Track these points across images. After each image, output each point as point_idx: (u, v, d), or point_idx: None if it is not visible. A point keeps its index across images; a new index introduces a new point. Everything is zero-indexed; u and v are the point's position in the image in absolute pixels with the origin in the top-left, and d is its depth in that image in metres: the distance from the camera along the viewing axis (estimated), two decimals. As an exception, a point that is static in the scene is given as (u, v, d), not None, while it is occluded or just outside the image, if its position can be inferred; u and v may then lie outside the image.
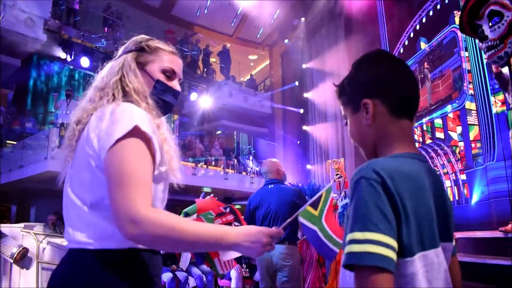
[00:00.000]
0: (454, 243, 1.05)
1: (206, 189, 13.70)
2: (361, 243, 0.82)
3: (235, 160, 14.83)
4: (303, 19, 15.26)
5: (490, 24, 1.75)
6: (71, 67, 12.09)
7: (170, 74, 1.45)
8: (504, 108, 8.03)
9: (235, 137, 16.27)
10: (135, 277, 1.20)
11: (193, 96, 13.75)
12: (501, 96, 8.10)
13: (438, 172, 9.81)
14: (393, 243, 0.83)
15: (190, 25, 16.40)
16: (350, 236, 0.85)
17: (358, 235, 0.83)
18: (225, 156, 14.44)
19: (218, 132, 17.52)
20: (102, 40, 12.13)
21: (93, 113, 1.26)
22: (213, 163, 14.25)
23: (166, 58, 1.45)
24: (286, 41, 16.32)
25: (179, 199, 14.12)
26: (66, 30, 11.44)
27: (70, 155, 1.31)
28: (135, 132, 1.15)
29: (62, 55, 11.29)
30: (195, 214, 1.82)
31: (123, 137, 1.14)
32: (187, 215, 1.83)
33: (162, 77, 1.41)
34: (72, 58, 11.32)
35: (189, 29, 16.46)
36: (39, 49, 11.18)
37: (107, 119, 1.18)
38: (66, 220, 1.27)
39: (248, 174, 14.95)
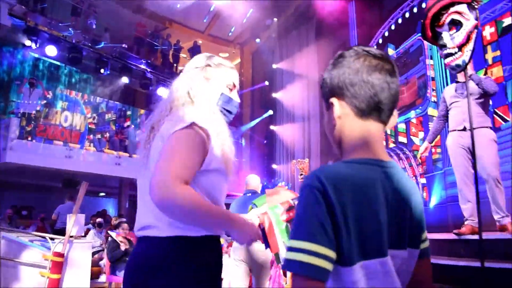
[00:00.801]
0: (421, 246, 1.07)
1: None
2: (295, 252, 0.85)
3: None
4: (275, 19, 15.33)
5: (450, 32, 1.84)
6: (36, 55, 11.70)
7: (231, 87, 1.70)
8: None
9: (203, 134, 16.14)
10: (209, 262, 1.45)
11: (161, 90, 13.56)
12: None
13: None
14: (328, 252, 0.85)
15: (162, 19, 16.17)
16: (289, 243, 0.88)
17: (294, 243, 0.87)
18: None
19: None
20: (70, 29, 11.80)
21: (166, 120, 1.50)
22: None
23: (228, 73, 1.69)
24: (257, 40, 16.35)
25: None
26: (32, 16, 11.05)
27: (144, 159, 1.51)
28: (192, 126, 1.39)
29: (27, 42, 10.90)
30: (264, 206, 1.72)
31: (181, 129, 1.37)
32: (255, 206, 1.80)
33: (225, 90, 1.67)
34: (38, 46, 10.96)
35: (161, 23, 16.22)
36: (2, 36, 10.79)
37: (175, 120, 1.44)
38: (144, 214, 1.47)
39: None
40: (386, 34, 11.43)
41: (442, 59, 2.04)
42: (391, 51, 11.25)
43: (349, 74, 1.02)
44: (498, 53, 7.94)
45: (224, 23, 16.32)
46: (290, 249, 0.87)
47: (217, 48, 18.27)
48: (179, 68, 16.52)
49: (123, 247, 6.35)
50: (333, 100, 1.04)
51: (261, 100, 16.41)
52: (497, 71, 7.85)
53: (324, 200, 0.87)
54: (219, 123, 1.55)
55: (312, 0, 13.26)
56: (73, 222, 4.46)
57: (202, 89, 1.59)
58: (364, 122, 1.02)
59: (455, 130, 4.18)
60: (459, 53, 1.85)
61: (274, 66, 15.27)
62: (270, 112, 15.53)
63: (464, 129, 4.10)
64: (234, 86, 1.72)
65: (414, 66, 10.28)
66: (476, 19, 1.82)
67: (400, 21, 10.77)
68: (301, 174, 6.13)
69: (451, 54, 1.89)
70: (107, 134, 13.25)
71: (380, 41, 11.63)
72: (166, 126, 1.45)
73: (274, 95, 15.15)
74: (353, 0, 12.56)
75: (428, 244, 1.10)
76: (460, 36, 1.82)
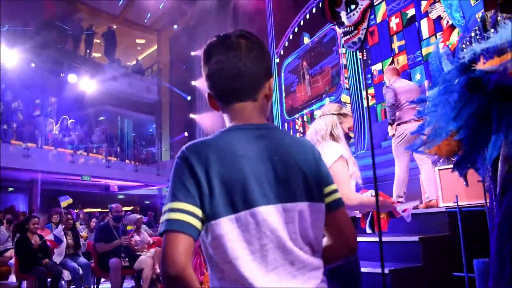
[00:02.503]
0: (327, 200, 1.11)
1: (85, 178, 12.93)
2: (164, 213, 0.95)
3: (118, 147, 14.21)
4: (193, 4, 15.07)
5: (347, 11, 1.89)
6: None
7: (352, 129, 2.55)
8: (374, 101, 8.82)
9: (119, 123, 15.55)
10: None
11: (72, 77, 12.76)
12: (372, 91, 8.84)
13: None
14: (192, 208, 0.93)
15: (73, 1, 15.20)
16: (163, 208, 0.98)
17: (164, 207, 0.96)
18: (107, 143, 13.75)
19: (101, 118, 16.61)
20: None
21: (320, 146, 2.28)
22: (94, 151, 13.47)
23: (350, 120, 2.51)
24: (175, 26, 15.99)
25: (59, 189, 13.19)
26: None
27: None
28: (341, 158, 2.23)
29: None
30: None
31: (335, 161, 2.20)
32: None
33: (346, 130, 2.46)
34: None
35: (72, 5, 15.24)
36: None
37: (326, 152, 2.20)
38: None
39: (132, 162, 14.44)
40: (302, 23, 11.68)
41: (340, 36, 2.13)
42: (306, 40, 11.54)
43: (204, 68, 1.12)
44: (403, 42, 8.43)
45: (140, 8, 15.74)
46: (162, 213, 0.95)
47: (133, 34, 17.61)
48: (93, 54, 15.73)
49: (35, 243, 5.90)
50: (207, 92, 1.14)
51: (179, 88, 16.10)
52: (402, 59, 8.35)
53: (186, 166, 0.96)
54: (348, 151, 2.35)
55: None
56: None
57: (337, 129, 2.37)
58: (228, 105, 1.11)
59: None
60: (355, 31, 1.91)
61: (193, 53, 15.04)
62: (188, 98, 15.34)
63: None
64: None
65: (328, 56, 10.63)
66: (370, -2, 1.89)
67: (314, 10, 11.04)
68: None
69: (348, 33, 1.96)
70: (14, 125, 12.22)
71: (296, 29, 11.87)
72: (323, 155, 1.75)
73: (193, 82, 14.94)
74: (270, -12, 12.68)
75: (338, 197, 1.14)
76: (355, 15, 1.87)
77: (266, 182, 0.99)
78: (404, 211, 2.40)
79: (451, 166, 1.96)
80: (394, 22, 8.68)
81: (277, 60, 12.52)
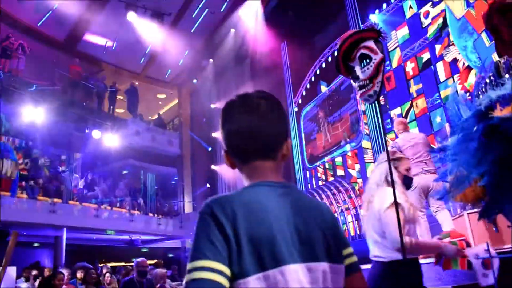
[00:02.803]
0: (346, 262, 1.11)
1: (109, 232, 12.98)
2: (190, 272, 0.91)
3: (142, 200, 14.32)
4: (211, 60, 15.58)
5: (361, 66, 1.95)
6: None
7: (409, 172, 2.66)
8: (395, 146, 8.77)
9: (141, 177, 15.77)
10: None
11: (96, 133, 13.12)
12: (392, 135, 8.82)
13: (329, 204, 10.26)
14: (220, 267, 0.90)
15: (97, 61, 15.89)
16: (187, 267, 0.93)
17: (189, 265, 0.92)
18: (130, 197, 13.89)
19: (125, 172, 16.89)
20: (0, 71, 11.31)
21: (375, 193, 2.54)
22: (117, 205, 13.61)
23: (406, 162, 2.65)
24: (194, 81, 16.47)
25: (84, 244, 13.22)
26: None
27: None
28: (393, 204, 2.20)
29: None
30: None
31: (387, 207, 2.34)
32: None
33: (405, 172, 2.61)
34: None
35: (95, 65, 15.93)
36: None
37: (381, 197, 2.42)
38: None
39: (155, 215, 14.48)
40: (318, 72, 11.91)
41: (356, 90, 2.18)
42: (323, 88, 11.71)
43: (220, 129, 1.14)
44: (420, 86, 8.50)
45: (160, 64, 16.30)
46: (186, 272, 0.92)
47: (154, 89, 18.16)
48: (116, 110, 16.20)
49: None
50: (224, 151, 1.15)
51: (201, 140, 16.36)
52: (421, 103, 8.38)
53: (213, 221, 0.94)
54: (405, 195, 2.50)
55: (245, 41, 13.65)
56: (2, 276, 4.09)
57: (395, 174, 2.37)
58: (247, 163, 1.12)
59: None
60: (370, 84, 1.97)
61: (212, 106, 15.38)
62: (209, 149, 15.53)
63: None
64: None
65: (346, 103, 10.75)
66: (382, 52, 1.95)
67: (330, 59, 11.28)
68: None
69: (363, 86, 2.02)
70: (41, 180, 12.53)
71: (313, 79, 12.10)
72: (377, 201, 2.46)
73: (213, 134, 15.17)
74: (284, 40, 13.03)
75: (354, 260, 1.13)
76: (370, 69, 1.93)
77: (291, 240, 0.98)
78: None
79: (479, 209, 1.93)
80: (410, 66, 8.80)
81: (296, 109, 12.68)
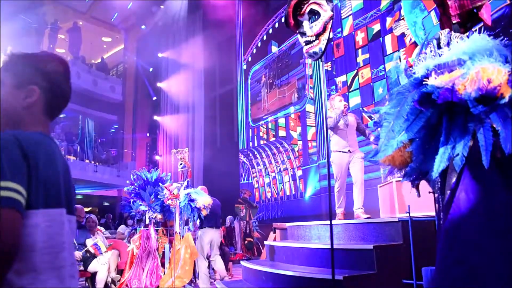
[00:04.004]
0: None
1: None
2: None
3: (78, 146, 13.85)
4: (162, 6, 14.94)
5: (310, 21, 1.94)
6: None
7: None
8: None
9: (80, 122, 15.15)
10: None
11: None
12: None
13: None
14: (23, 190, 0.98)
15: (37, -7, 14.76)
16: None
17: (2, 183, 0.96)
18: (66, 142, 13.38)
19: (62, 115, 16.16)
20: None
21: None
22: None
23: None
24: (143, 27, 15.80)
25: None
26: None
27: None
28: None
29: None
30: None
31: None
32: None
33: None
34: None
35: (36, -2, 14.79)
36: None
37: None
38: None
39: (91, 162, 14.09)
40: (270, 31, 11.80)
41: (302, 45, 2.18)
42: (274, 48, 11.66)
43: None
44: (367, 56, 8.68)
45: (107, 6, 15.42)
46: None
47: (99, 31, 17.26)
48: (57, 49, 15.30)
49: None
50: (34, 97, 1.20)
51: (144, 89, 15.91)
52: (366, 73, 8.59)
53: (20, 150, 1.00)
54: None
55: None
56: None
57: None
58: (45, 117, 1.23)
59: (339, 151, 5.00)
60: (316, 41, 1.97)
61: (160, 55, 14.90)
62: (154, 98, 15.16)
63: (348, 151, 5.01)
64: None
65: (294, 67, 10.78)
66: (332, 10, 1.95)
67: (283, 19, 11.18)
68: (181, 164, 6.02)
69: (309, 42, 2.02)
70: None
71: (265, 37, 11.98)
72: None
73: (159, 84, 14.79)
74: (240, -5, 12.75)
75: None
76: (317, 25, 1.93)
77: (64, 189, 1.12)
78: None
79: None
80: (360, 36, 8.92)
81: (245, 67, 12.58)
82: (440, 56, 1.70)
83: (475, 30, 1.97)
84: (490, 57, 1.54)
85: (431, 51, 1.91)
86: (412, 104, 1.57)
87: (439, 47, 1.96)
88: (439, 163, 1.55)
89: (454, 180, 1.69)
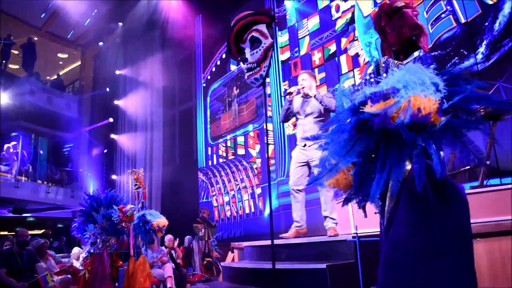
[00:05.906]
0: None
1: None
2: None
3: (30, 166, 13.33)
4: (120, 24, 14.78)
5: (251, 48, 1.98)
6: None
7: None
8: (296, 130, 9.14)
9: (33, 141, 14.60)
10: None
11: (-17, 89, 11.91)
12: (293, 120, 9.13)
13: (238, 186, 10.48)
14: None
15: (-10, 8, 14.27)
16: None
17: None
18: (18, 162, 12.86)
19: (14, 134, 15.53)
20: None
21: None
22: (1, 169, 12.50)
23: None
24: (100, 43, 15.55)
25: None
26: None
27: None
28: None
29: None
30: None
31: None
32: None
33: None
34: None
35: (-12, 12, 14.29)
36: None
37: None
38: None
39: (44, 183, 13.57)
40: (229, 50, 11.87)
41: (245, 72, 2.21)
42: (233, 67, 11.74)
43: None
44: (323, 74, 8.88)
45: (64, 22, 15.09)
46: None
47: (55, 47, 16.85)
48: (9, 65, 14.82)
49: None
50: None
51: (101, 106, 15.57)
52: (323, 92, 8.76)
53: None
54: None
55: (159, 8, 13.17)
56: None
57: None
58: None
59: (298, 145, 4.50)
60: (258, 68, 2.00)
61: (118, 72, 14.68)
62: (110, 119, 14.84)
63: (304, 145, 4.41)
64: None
65: (253, 86, 10.86)
66: (272, 38, 1.99)
67: (226, 47, 11.27)
68: (136, 185, 5.89)
69: (251, 69, 2.05)
70: None
71: (224, 56, 12.05)
72: None
73: (116, 102, 14.54)
74: (199, 14, 12.79)
75: None
76: (258, 52, 1.97)
77: None
78: None
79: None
80: (316, 56, 9.13)
81: (204, 85, 12.59)
82: (377, 83, 1.76)
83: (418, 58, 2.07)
84: (422, 86, 1.61)
85: (370, 78, 1.98)
86: (350, 130, 1.62)
87: (378, 73, 2.04)
88: (374, 189, 1.60)
89: (392, 204, 1.74)
